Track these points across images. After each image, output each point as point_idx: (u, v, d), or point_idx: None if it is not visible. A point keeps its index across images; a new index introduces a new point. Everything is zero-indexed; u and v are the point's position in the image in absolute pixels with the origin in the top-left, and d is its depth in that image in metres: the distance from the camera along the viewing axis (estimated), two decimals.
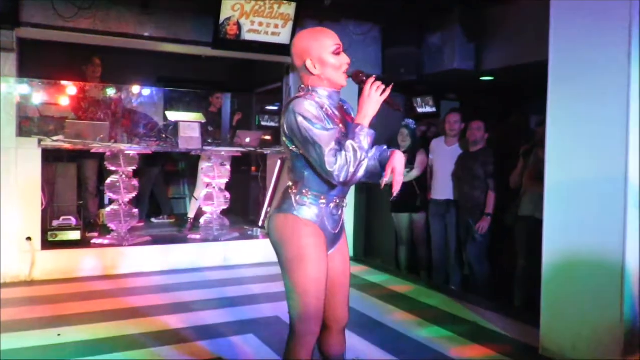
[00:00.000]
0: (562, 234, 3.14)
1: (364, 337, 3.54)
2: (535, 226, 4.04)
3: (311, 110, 1.93)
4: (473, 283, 4.82)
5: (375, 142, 2.15)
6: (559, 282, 3.18)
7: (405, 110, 7.02)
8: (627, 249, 2.80)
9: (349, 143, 1.91)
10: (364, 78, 2.05)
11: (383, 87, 2.01)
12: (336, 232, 2.14)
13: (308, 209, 2.06)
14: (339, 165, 1.88)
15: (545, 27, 3.25)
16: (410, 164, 5.26)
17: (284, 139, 2.03)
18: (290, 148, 2.02)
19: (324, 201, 2.07)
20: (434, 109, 7.35)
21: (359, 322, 3.82)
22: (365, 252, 6.08)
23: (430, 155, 5.16)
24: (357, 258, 5.88)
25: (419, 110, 7.53)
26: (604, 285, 2.90)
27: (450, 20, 5.35)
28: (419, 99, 7.01)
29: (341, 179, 1.91)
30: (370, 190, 6.11)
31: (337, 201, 2.11)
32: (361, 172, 1.93)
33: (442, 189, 4.95)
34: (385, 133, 6.23)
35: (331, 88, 2.10)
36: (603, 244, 2.90)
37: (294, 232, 2.04)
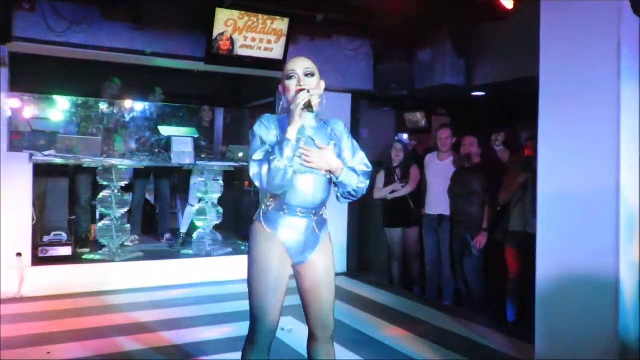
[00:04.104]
0: (555, 249, 3.15)
1: (356, 352, 3.52)
2: (526, 241, 4.08)
3: (256, 129, 2.16)
4: (468, 298, 4.81)
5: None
6: (552, 298, 3.18)
7: (397, 125, 7.06)
8: (620, 263, 2.82)
9: (271, 155, 2.06)
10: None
11: (304, 96, 2.09)
12: (301, 240, 2.19)
13: (270, 217, 2.20)
14: (256, 172, 2.07)
15: (534, 43, 3.29)
16: (403, 178, 5.29)
17: None
18: None
19: (285, 210, 2.18)
20: (424, 125, 7.41)
21: (351, 337, 3.81)
22: (358, 266, 6.07)
23: (425, 170, 5.19)
24: (350, 273, 5.86)
25: (410, 125, 7.59)
26: (598, 300, 2.91)
27: (441, 36, 5.43)
28: (410, 114, 7.07)
29: (261, 185, 2.09)
30: (363, 205, 6.11)
31: (301, 211, 2.18)
32: (278, 180, 2.04)
33: (435, 204, 4.97)
34: (378, 147, 6.26)
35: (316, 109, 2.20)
36: (596, 258, 2.91)
37: (254, 238, 2.22)
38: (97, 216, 5.89)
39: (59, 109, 5.86)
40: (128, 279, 5.02)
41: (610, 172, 2.85)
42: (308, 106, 2.09)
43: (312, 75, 2.20)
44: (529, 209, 4.13)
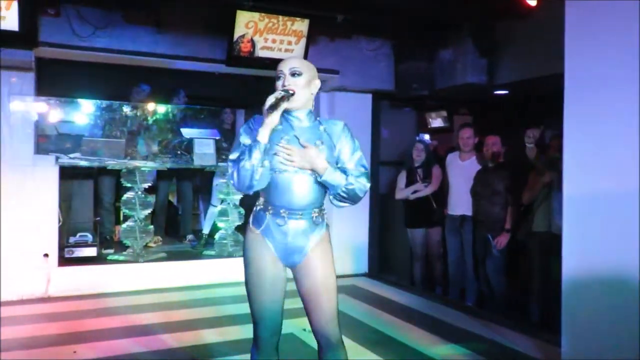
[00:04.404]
0: (581, 250, 3.09)
1: (377, 353, 3.51)
2: (550, 242, 4.01)
3: (241, 130, 2.22)
4: (490, 299, 4.75)
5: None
6: (579, 300, 3.12)
7: (418, 125, 7.01)
8: None
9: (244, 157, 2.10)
10: None
11: (269, 98, 2.09)
12: (286, 242, 2.16)
13: (258, 218, 2.23)
14: (230, 173, 2.13)
15: (557, 40, 3.24)
16: (425, 179, 5.25)
17: None
18: None
19: (270, 211, 2.18)
20: (446, 124, 7.35)
21: (372, 337, 3.79)
22: (380, 267, 6.04)
23: (446, 170, 5.15)
24: (371, 273, 5.84)
25: (432, 125, 7.54)
26: (625, 302, 2.84)
27: (462, 35, 5.36)
28: (432, 114, 7.02)
29: (234, 185, 2.15)
30: (384, 205, 6.09)
31: (285, 212, 2.15)
32: (247, 181, 2.08)
33: (457, 204, 4.93)
34: (399, 148, 6.23)
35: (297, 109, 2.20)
36: (623, 259, 2.84)
37: (246, 240, 2.26)
38: (121, 217, 5.98)
39: (84, 112, 5.96)
40: (151, 280, 5.09)
41: (637, 172, 2.78)
42: (273, 107, 2.06)
43: (299, 74, 2.15)
44: (554, 209, 4.06)
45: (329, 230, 2.29)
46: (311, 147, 2.12)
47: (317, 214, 2.21)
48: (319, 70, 5.77)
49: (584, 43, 3.11)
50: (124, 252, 5.30)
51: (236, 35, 4.90)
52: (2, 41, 4.19)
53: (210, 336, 3.80)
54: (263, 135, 2.08)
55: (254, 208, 2.26)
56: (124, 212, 5.56)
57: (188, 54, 5.07)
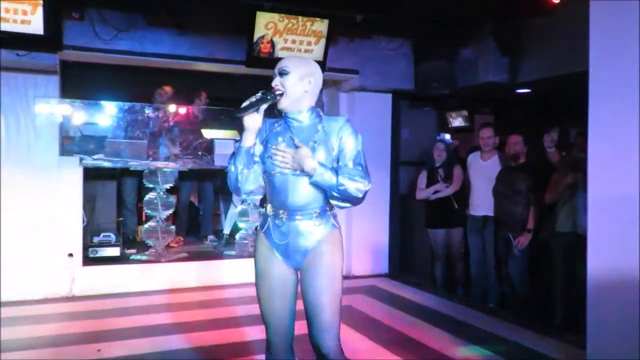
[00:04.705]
0: (607, 251, 3.03)
1: (398, 354, 3.49)
2: (575, 242, 3.94)
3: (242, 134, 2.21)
4: (513, 300, 4.69)
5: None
6: (604, 301, 3.06)
7: (439, 124, 6.96)
8: None
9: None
10: None
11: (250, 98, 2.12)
12: (286, 243, 2.14)
13: (262, 219, 2.27)
14: (227, 176, 2.18)
15: (581, 37, 3.18)
16: (446, 179, 5.21)
17: None
18: None
19: (270, 212, 2.19)
20: (466, 124, 7.28)
21: (394, 339, 3.77)
22: (400, 268, 6.01)
23: (468, 170, 5.10)
24: (391, 274, 5.81)
25: (452, 124, 7.47)
26: None
27: (484, 33, 5.31)
28: (452, 113, 6.96)
29: (229, 188, 2.20)
30: (404, 206, 6.05)
31: (284, 213, 2.14)
32: (233, 183, 2.16)
33: (479, 205, 4.87)
34: (419, 147, 6.19)
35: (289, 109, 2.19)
36: None
37: (255, 242, 2.28)
38: (143, 218, 6.06)
39: (107, 114, 6.04)
40: (173, 279, 5.14)
41: None
42: (245, 110, 2.08)
43: (286, 73, 2.12)
44: (578, 209, 4.00)
45: (337, 230, 2.22)
46: (303, 148, 2.07)
47: (317, 214, 2.15)
48: (339, 70, 5.76)
49: (609, 42, 3.05)
50: (146, 252, 5.36)
51: (256, 36, 4.92)
52: (28, 45, 4.27)
53: (231, 336, 3.83)
54: (245, 138, 2.13)
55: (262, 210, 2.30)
56: (146, 213, 5.63)
57: (208, 55, 5.11)
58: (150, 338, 3.75)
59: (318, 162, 2.06)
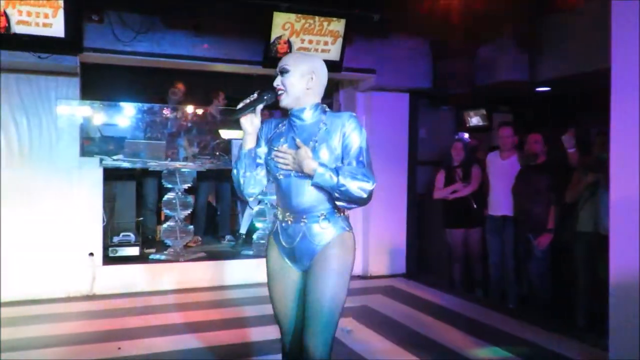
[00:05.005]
0: (630, 251, 2.97)
1: (416, 354, 3.47)
2: (597, 242, 3.87)
3: (261, 130, 2.20)
4: (533, 301, 4.63)
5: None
6: (627, 302, 3.00)
7: (457, 123, 6.90)
8: None
9: None
10: None
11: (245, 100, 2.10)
12: (292, 246, 2.10)
13: (273, 221, 2.25)
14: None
15: (603, 34, 3.13)
16: (465, 178, 5.17)
17: None
18: None
19: (280, 215, 2.16)
20: (485, 123, 7.20)
21: (412, 340, 3.75)
22: (417, 268, 5.97)
23: (487, 170, 5.05)
24: (409, 274, 5.78)
25: (470, 123, 7.40)
26: None
27: (503, 31, 5.25)
28: (471, 112, 6.89)
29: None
30: (422, 205, 6.02)
31: (290, 216, 2.10)
32: (237, 187, 2.13)
33: (499, 205, 4.83)
34: (437, 147, 6.15)
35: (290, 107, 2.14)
36: None
37: (267, 244, 2.26)
38: (162, 218, 6.11)
39: (126, 115, 6.12)
40: (191, 279, 5.18)
41: None
42: (241, 111, 2.05)
43: (287, 71, 2.06)
44: (600, 209, 3.93)
45: (347, 233, 2.10)
46: (302, 148, 1.99)
47: (324, 217, 2.07)
48: (356, 70, 5.75)
49: (631, 39, 2.99)
50: (165, 252, 5.41)
51: (273, 36, 4.93)
52: (50, 47, 4.35)
53: (248, 335, 3.84)
54: (244, 141, 2.10)
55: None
56: (165, 213, 5.68)
57: (226, 56, 5.13)
58: (169, 337, 3.78)
59: (319, 163, 1.98)
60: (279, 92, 2.08)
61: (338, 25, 5.10)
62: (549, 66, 5.14)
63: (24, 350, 3.49)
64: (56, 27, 4.23)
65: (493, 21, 5.23)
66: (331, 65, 5.14)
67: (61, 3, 4.18)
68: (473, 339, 3.78)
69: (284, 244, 2.13)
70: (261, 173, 2.15)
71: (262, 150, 2.17)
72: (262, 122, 2.16)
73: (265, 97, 2.07)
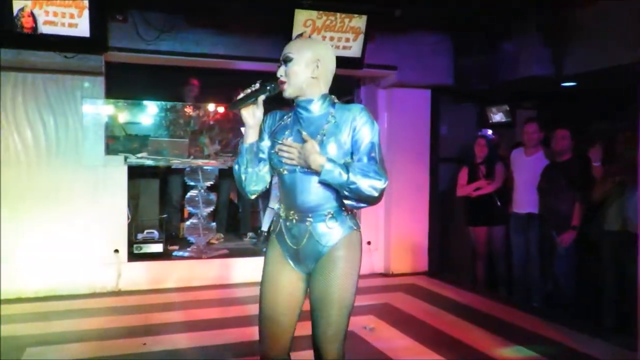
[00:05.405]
0: None
1: (439, 352, 3.44)
2: (625, 241, 3.79)
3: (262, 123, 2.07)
4: (558, 301, 4.56)
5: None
6: None
7: (480, 120, 6.82)
8: None
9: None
10: None
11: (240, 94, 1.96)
12: (297, 247, 1.97)
13: (275, 221, 2.10)
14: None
15: (631, 28, 3.05)
16: (489, 175, 5.11)
17: None
18: None
19: (283, 214, 2.03)
20: (508, 119, 7.11)
21: (435, 338, 3.73)
22: (440, 266, 5.93)
23: (511, 166, 4.98)
24: (431, 272, 5.75)
25: (493, 120, 7.30)
26: None
27: (526, 25, 5.16)
28: (493, 108, 6.80)
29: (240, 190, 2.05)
30: (444, 203, 5.97)
31: (295, 215, 1.96)
32: (239, 183, 2.00)
33: (523, 202, 4.76)
34: (459, 143, 6.09)
35: (296, 98, 2.01)
36: None
37: (268, 243, 2.12)
38: (185, 215, 6.17)
39: (149, 113, 6.19)
40: (214, 275, 5.22)
41: None
42: (239, 103, 1.90)
43: (290, 60, 1.94)
44: (627, 207, 3.85)
45: (355, 233, 2.00)
46: (309, 142, 1.87)
47: (331, 216, 1.95)
48: (377, 66, 5.72)
49: None
50: (188, 249, 5.47)
51: (294, 34, 4.92)
52: (75, 47, 4.42)
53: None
54: (246, 135, 1.95)
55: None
56: (187, 210, 5.74)
57: (247, 54, 5.15)
58: (192, 333, 3.83)
59: (327, 158, 1.85)
60: (282, 82, 1.95)
61: (359, 22, 5.07)
62: (575, 60, 5.03)
63: (54, 344, 3.57)
64: (82, 27, 4.30)
65: (516, 14, 5.15)
66: (352, 62, 5.16)
67: (86, 3, 4.25)
68: (497, 338, 3.74)
69: (288, 244, 1.99)
70: (264, 169, 2.02)
71: (266, 144, 2.04)
72: (265, 114, 2.04)
73: (268, 88, 1.94)
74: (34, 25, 4.18)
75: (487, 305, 4.57)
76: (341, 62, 5.58)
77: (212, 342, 3.65)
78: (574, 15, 4.94)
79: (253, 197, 2.06)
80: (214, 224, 5.71)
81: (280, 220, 2.03)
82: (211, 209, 5.64)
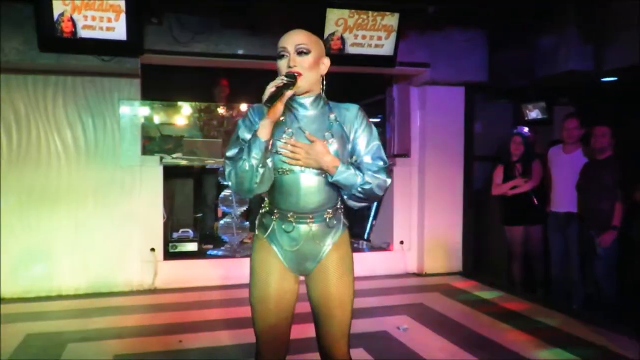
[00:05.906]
0: None
1: (475, 354, 3.39)
2: None
3: (239, 121, 1.94)
4: (599, 303, 4.43)
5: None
6: None
7: (515, 117, 6.68)
8: None
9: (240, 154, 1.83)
10: None
11: (269, 87, 1.76)
12: (295, 249, 1.92)
13: (264, 222, 1.99)
14: (227, 172, 1.86)
15: None
16: (525, 174, 5.00)
17: None
18: None
19: (276, 216, 1.94)
20: (544, 116, 6.94)
21: (471, 340, 3.67)
22: (474, 266, 5.83)
23: (549, 164, 4.86)
24: (466, 272, 5.66)
25: (529, 117, 7.15)
26: None
27: (564, 19, 5.02)
28: (529, 105, 6.65)
29: (231, 187, 1.90)
30: (479, 202, 5.87)
31: (292, 216, 1.90)
32: (246, 183, 1.80)
33: (562, 201, 4.64)
34: (494, 141, 5.98)
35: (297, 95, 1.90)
36: None
37: (253, 246, 2.03)
38: (219, 214, 6.25)
39: (184, 114, 6.29)
40: (247, 274, 5.24)
41: None
42: (273, 98, 1.74)
43: (307, 52, 1.84)
44: None
45: (347, 230, 2.02)
46: (318, 142, 1.83)
47: (331, 216, 1.93)
48: (409, 64, 5.66)
49: None
50: (222, 248, 5.53)
51: (326, 33, 4.92)
52: (113, 50, 4.52)
53: (304, 330, 3.86)
54: (264, 130, 1.77)
55: (260, 211, 2.03)
56: (221, 209, 5.81)
57: None
58: (227, 331, 3.87)
59: (339, 159, 1.85)
60: (299, 74, 1.83)
61: (392, 20, 5.03)
62: (616, 55, 4.87)
63: (93, 341, 3.67)
64: (118, 31, 4.39)
65: (554, 8, 5.02)
66: (385, 60, 5.13)
67: (123, 7, 4.34)
68: (534, 340, 3.66)
69: (285, 247, 1.93)
70: (270, 167, 1.85)
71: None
72: (250, 109, 1.95)
73: (292, 80, 1.80)
74: (73, 29, 4.29)
75: (524, 307, 4.48)
76: (373, 60, 5.59)
77: (247, 340, 3.66)
78: (614, 8, 4.79)
79: (251, 196, 1.92)
80: (247, 223, 5.76)
81: (274, 222, 1.95)
82: (244, 208, 5.70)
